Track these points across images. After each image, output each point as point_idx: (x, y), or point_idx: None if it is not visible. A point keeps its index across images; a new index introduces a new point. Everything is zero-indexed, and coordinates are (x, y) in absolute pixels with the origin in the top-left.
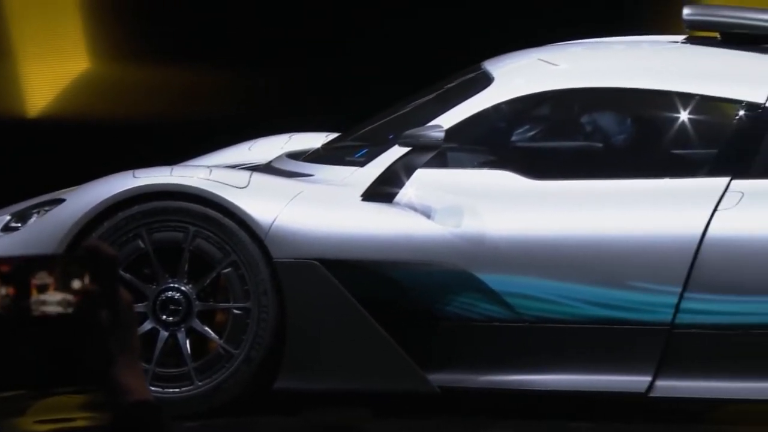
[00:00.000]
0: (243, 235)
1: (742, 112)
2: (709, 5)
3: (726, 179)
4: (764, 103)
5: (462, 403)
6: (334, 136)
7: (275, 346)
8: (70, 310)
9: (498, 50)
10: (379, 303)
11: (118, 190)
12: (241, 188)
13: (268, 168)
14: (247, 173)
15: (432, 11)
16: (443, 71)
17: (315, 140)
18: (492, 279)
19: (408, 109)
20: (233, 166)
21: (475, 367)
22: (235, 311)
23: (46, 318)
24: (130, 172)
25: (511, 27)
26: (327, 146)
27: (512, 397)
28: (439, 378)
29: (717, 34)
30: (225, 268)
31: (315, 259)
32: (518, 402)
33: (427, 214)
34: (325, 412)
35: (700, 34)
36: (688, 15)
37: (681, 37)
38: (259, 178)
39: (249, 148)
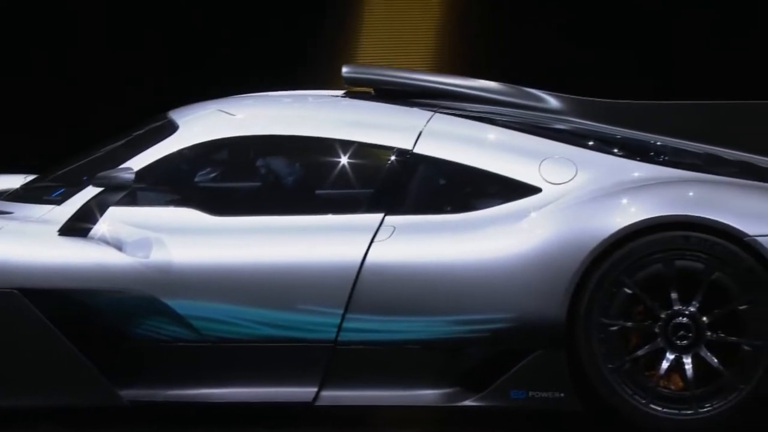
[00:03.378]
0: None
1: (393, 157)
2: (364, 65)
3: (380, 215)
4: (412, 149)
5: (155, 416)
6: (32, 177)
7: None
8: None
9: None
10: (75, 327)
11: None
12: None
13: None
14: None
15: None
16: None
17: (14, 181)
18: (177, 304)
19: (101, 153)
20: None
21: (163, 383)
22: None
23: None
24: None
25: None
26: (26, 186)
27: (200, 409)
28: (130, 393)
29: (371, 90)
30: None
31: (15, 289)
32: (206, 413)
33: (118, 246)
34: (30, 427)
35: (357, 90)
36: (346, 72)
37: (341, 92)
38: None
39: None
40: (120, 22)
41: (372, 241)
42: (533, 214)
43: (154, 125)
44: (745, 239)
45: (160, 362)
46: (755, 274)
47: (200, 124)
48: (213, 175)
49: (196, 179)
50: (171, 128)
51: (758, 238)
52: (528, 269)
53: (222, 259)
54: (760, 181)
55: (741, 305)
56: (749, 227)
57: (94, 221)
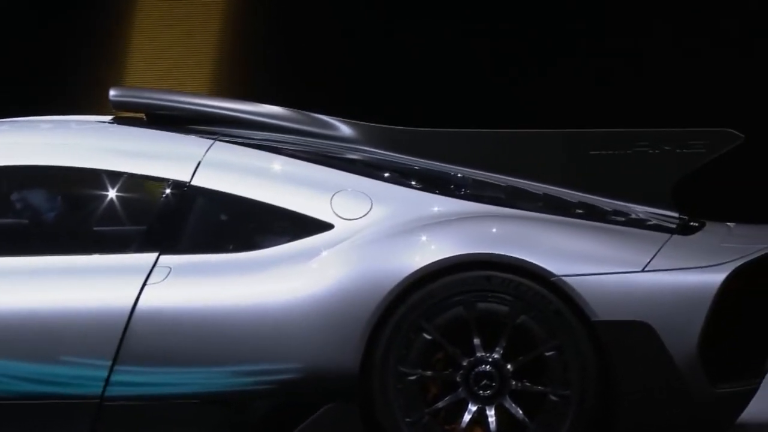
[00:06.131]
0: None
1: (168, 190)
2: (135, 88)
3: (155, 255)
4: (189, 182)
5: None
6: None
7: None
8: None
9: None
10: None
11: None
12: None
13: None
14: None
15: None
16: None
17: None
18: None
19: None
20: None
21: None
22: None
23: None
24: None
25: None
26: None
27: None
28: None
29: (143, 115)
30: None
31: None
32: None
33: None
34: None
35: (127, 115)
36: (114, 96)
37: (108, 117)
38: None
39: None
40: None
41: (144, 284)
42: (324, 253)
43: None
44: (552, 279)
45: None
46: (562, 317)
47: None
48: None
49: None
50: None
51: (565, 278)
52: (318, 314)
53: None
54: (566, 215)
55: (547, 351)
56: (556, 266)
57: None
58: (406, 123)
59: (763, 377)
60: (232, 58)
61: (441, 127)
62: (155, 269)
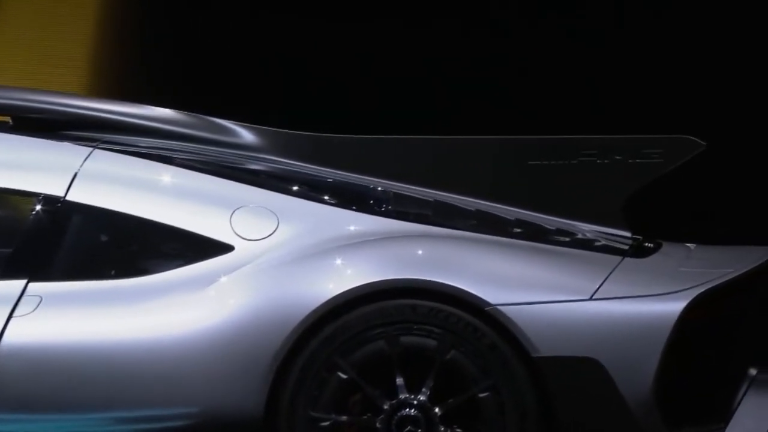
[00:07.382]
0: None
1: (39, 207)
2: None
3: (22, 282)
4: (63, 197)
5: None
6: None
7: None
8: None
9: None
10: None
11: None
12: None
13: None
14: None
15: None
16: None
17: None
18: None
19: None
20: None
21: None
22: None
23: None
24: None
25: None
26: None
27: None
28: None
29: (8, 119)
30: None
31: None
32: None
33: None
34: None
35: None
36: None
37: None
38: None
39: None
40: None
41: (10, 317)
42: (223, 279)
43: None
44: (486, 309)
45: None
46: (499, 352)
47: None
48: None
49: None
50: None
51: (502, 308)
52: (216, 350)
53: None
54: (502, 235)
55: (481, 392)
56: (491, 294)
57: None
58: (318, 128)
59: (729, 422)
60: (112, 52)
61: (359, 133)
62: (23, 299)
